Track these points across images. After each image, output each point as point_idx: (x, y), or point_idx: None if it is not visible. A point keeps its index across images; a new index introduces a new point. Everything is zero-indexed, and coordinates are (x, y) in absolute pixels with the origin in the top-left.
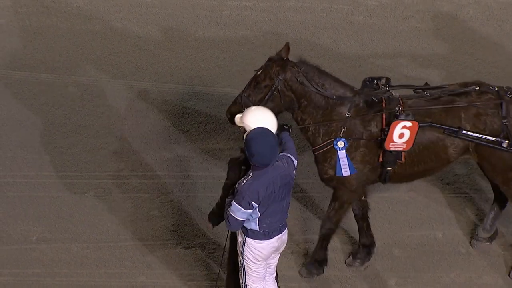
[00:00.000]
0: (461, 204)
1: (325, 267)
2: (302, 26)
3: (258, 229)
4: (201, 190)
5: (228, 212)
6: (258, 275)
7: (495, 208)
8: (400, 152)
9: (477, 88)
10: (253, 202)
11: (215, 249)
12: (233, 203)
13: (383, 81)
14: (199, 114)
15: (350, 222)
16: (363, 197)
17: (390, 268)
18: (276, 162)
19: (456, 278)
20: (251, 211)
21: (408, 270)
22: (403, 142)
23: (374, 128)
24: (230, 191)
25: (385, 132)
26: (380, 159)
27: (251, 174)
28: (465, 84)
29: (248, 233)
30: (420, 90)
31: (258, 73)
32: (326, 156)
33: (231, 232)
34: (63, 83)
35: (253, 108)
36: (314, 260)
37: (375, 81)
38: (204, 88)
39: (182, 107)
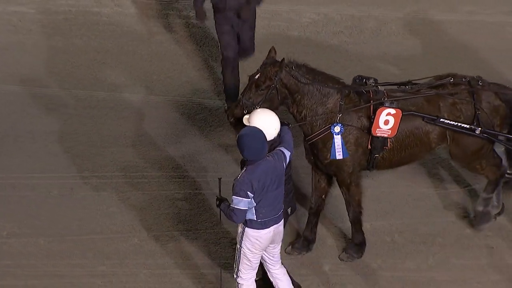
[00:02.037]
0: (386, 198)
1: (364, 249)
2: None
3: (255, 219)
4: (155, 188)
5: (231, 208)
6: (251, 264)
7: None
8: (386, 138)
9: (452, 80)
10: (248, 192)
11: (168, 240)
12: (233, 197)
13: (371, 80)
14: (153, 120)
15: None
16: (323, 196)
17: (325, 255)
18: (267, 157)
19: (383, 264)
20: (249, 199)
21: None
22: (388, 129)
23: (363, 115)
24: None
25: (371, 119)
26: (369, 146)
27: (245, 169)
28: (440, 77)
29: (247, 223)
30: (404, 86)
31: (257, 77)
32: (325, 141)
33: None
34: (29, 94)
35: (259, 110)
36: (354, 244)
37: (364, 79)
38: (157, 97)
39: (138, 114)
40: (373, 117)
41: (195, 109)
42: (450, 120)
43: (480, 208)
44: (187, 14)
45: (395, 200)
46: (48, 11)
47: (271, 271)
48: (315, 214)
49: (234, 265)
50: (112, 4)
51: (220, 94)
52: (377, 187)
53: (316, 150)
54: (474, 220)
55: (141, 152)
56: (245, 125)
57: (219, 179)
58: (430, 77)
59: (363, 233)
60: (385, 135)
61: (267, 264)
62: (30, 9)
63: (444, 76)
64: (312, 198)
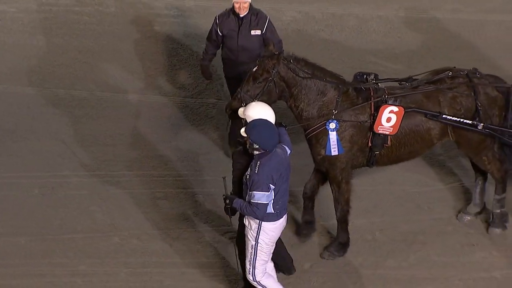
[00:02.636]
0: (367, 196)
1: (347, 249)
2: None
3: (273, 211)
4: (136, 187)
5: (253, 203)
6: (267, 257)
7: (479, 183)
8: (386, 136)
9: (450, 74)
10: (270, 185)
11: (148, 239)
12: (255, 192)
13: (372, 76)
14: (133, 119)
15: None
16: (319, 184)
17: (306, 253)
18: (276, 149)
19: (364, 262)
20: (269, 192)
21: None
22: (390, 126)
23: (363, 113)
24: (240, 183)
25: (373, 116)
26: (369, 143)
27: (259, 162)
28: (436, 72)
29: (264, 217)
30: (403, 82)
31: (254, 69)
32: (319, 137)
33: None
34: (10, 93)
35: (254, 103)
36: (338, 242)
37: (364, 76)
38: (137, 95)
39: (117, 113)
40: (375, 114)
41: (176, 108)
42: (452, 116)
43: (497, 211)
44: (168, 13)
45: (376, 198)
46: (28, 10)
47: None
48: (310, 199)
49: (249, 265)
50: (93, 3)
51: (201, 93)
52: (359, 185)
53: (310, 145)
54: (492, 222)
55: (122, 151)
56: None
57: (224, 178)
58: (428, 72)
59: (348, 233)
60: (387, 133)
61: None
62: (10, 8)
63: (441, 71)
64: (308, 184)
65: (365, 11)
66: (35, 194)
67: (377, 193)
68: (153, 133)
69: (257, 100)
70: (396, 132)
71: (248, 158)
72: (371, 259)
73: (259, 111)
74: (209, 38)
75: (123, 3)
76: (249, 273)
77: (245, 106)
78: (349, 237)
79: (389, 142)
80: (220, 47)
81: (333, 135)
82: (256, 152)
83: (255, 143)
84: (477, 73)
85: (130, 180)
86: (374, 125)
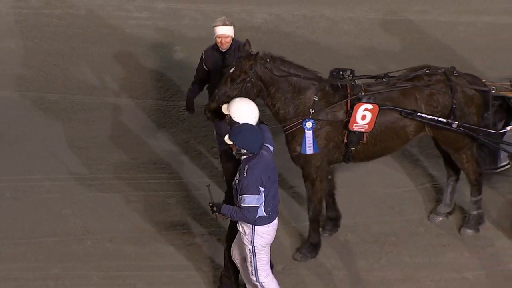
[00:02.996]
0: (338, 198)
1: (319, 250)
2: (196, 42)
3: (264, 214)
4: (108, 190)
5: (243, 207)
6: (267, 258)
7: (451, 183)
8: (362, 133)
9: (427, 71)
10: (260, 187)
11: (121, 242)
12: (245, 196)
13: (348, 72)
14: (105, 122)
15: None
16: (329, 177)
17: (278, 255)
18: (262, 151)
19: (336, 263)
20: (259, 195)
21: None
22: (365, 124)
23: (339, 110)
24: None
25: (349, 114)
26: (345, 140)
27: (247, 166)
28: (414, 69)
29: (256, 221)
30: (380, 79)
31: (231, 71)
32: (295, 134)
33: (231, 223)
34: None
35: (237, 99)
36: (310, 243)
37: (341, 72)
38: (109, 98)
39: (90, 115)
40: (350, 112)
41: (147, 110)
42: (428, 114)
43: (474, 212)
44: (138, 16)
45: (348, 199)
46: None
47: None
48: (329, 195)
49: (251, 269)
50: (63, 6)
51: (172, 96)
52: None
53: (286, 141)
54: (467, 224)
55: (94, 154)
56: (223, 118)
57: (208, 186)
58: (405, 69)
59: (319, 234)
60: (362, 130)
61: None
62: None
63: (418, 68)
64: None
65: (335, 13)
66: (7, 198)
67: (348, 195)
68: (125, 136)
69: None
70: (371, 129)
71: (235, 162)
72: (343, 260)
73: (243, 107)
74: (197, 72)
75: (93, 5)
76: (253, 275)
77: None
78: (320, 238)
79: (365, 139)
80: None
81: (309, 134)
82: (243, 157)
83: (243, 148)
84: (455, 71)
85: (103, 183)
86: (349, 123)
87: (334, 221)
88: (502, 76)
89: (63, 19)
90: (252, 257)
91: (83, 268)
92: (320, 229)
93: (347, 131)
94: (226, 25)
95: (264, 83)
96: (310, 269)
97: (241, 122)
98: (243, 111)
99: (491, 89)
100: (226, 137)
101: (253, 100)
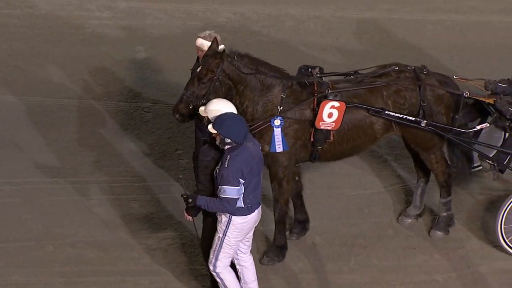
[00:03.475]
0: (306, 200)
1: (286, 253)
2: (159, 42)
3: (243, 205)
4: (70, 194)
5: (223, 198)
6: (232, 251)
7: (421, 184)
8: (329, 131)
9: (396, 68)
10: (239, 179)
11: (84, 247)
12: (225, 187)
13: (317, 70)
14: (67, 124)
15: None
16: (297, 178)
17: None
18: (246, 143)
19: (304, 267)
20: (239, 187)
21: None
22: (332, 122)
23: (306, 108)
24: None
25: (315, 112)
26: (312, 138)
27: (228, 156)
28: (384, 67)
29: (234, 211)
30: (349, 76)
31: (198, 70)
32: (263, 133)
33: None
34: None
35: (214, 100)
36: (276, 246)
37: (309, 69)
38: (70, 100)
39: (51, 117)
40: (317, 109)
41: (110, 112)
42: (396, 110)
43: (443, 214)
44: (100, 15)
45: (316, 201)
46: None
47: (240, 258)
48: (297, 196)
49: (212, 255)
50: (23, 6)
51: (135, 97)
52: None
53: None
54: (436, 225)
55: (55, 157)
56: (191, 119)
57: (181, 177)
58: (375, 66)
59: (285, 236)
60: (329, 128)
61: (238, 249)
62: None
63: (388, 66)
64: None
65: (301, 12)
66: None
67: (316, 197)
68: (87, 139)
69: (204, 101)
70: (338, 127)
71: (215, 153)
72: (311, 263)
73: (221, 107)
74: None
75: (54, 5)
76: (211, 263)
77: (192, 108)
78: (286, 241)
79: (332, 138)
80: None
81: (278, 132)
82: (227, 147)
83: (227, 137)
84: (425, 69)
85: (64, 187)
86: (316, 121)
87: (303, 224)
88: (470, 75)
89: (23, 19)
90: (219, 245)
91: (45, 274)
92: (288, 232)
93: (313, 129)
94: (205, 39)
95: (233, 81)
96: (277, 273)
97: None
98: (222, 111)
99: (464, 93)
100: (210, 126)
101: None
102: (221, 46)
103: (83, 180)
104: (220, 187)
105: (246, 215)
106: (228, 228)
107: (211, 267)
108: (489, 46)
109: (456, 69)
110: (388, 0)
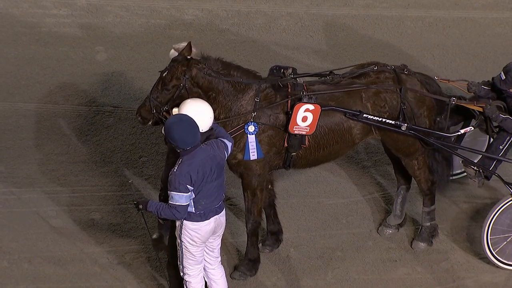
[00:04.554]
0: (280, 210)
1: (258, 267)
2: (121, 41)
3: (194, 211)
4: (25, 205)
5: (172, 205)
6: (195, 258)
7: (402, 192)
8: (304, 136)
9: (376, 68)
10: (187, 186)
11: (39, 263)
12: (173, 193)
13: (290, 70)
14: (21, 130)
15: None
16: (270, 186)
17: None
18: (204, 145)
19: (278, 282)
20: (189, 193)
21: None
22: (307, 126)
23: (280, 112)
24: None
25: (289, 115)
26: (285, 144)
27: (180, 160)
28: (362, 66)
29: (185, 218)
30: (324, 77)
31: (164, 75)
32: (236, 140)
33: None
34: None
35: (188, 100)
36: (248, 260)
37: (281, 70)
38: (25, 104)
39: (4, 123)
40: (290, 113)
41: (68, 117)
42: (375, 113)
43: (427, 224)
44: (57, 13)
45: (290, 211)
46: None
47: (208, 269)
48: (270, 206)
49: (179, 262)
50: None
51: (95, 101)
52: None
53: None
54: (419, 236)
55: (10, 166)
56: (156, 124)
57: (130, 182)
58: (353, 66)
59: (258, 248)
60: (303, 133)
61: (204, 259)
62: None
63: (366, 65)
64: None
65: (273, 8)
66: None
67: (290, 206)
68: (43, 146)
69: (167, 107)
70: (313, 132)
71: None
72: (286, 278)
73: (196, 108)
74: None
75: (7, 2)
76: (181, 270)
77: (156, 112)
78: (259, 253)
79: (307, 143)
80: None
81: (252, 139)
82: (179, 150)
83: (171, 142)
84: (406, 69)
85: (19, 198)
86: (289, 125)
87: (276, 235)
88: (453, 75)
89: None
90: (180, 252)
91: None
92: (260, 245)
93: (287, 134)
94: (177, 50)
95: (202, 88)
96: None
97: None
98: (196, 113)
99: (452, 100)
100: (163, 128)
101: None
102: (194, 51)
103: (39, 190)
104: (169, 192)
105: (198, 221)
106: (181, 233)
107: (181, 273)
108: (472, 44)
109: (439, 69)
110: None
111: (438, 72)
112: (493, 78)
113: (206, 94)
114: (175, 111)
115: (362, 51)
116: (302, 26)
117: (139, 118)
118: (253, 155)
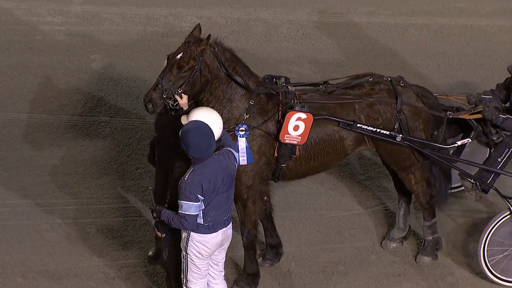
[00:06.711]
0: (280, 223)
1: (259, 281)
2: (117, 49)
3: (202, 223)
4: (19, 218)
5: (181, 214)
6: (200, 271)
7: (403, 205)
8: (294, 146)
9: (371, 79)
10: (198, 195)
11: (33, 278)
12: (182, 202)
13: (282, 79)
14: (15, 141)
15: None
16: (265, 198)
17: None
18: (216, 155)
19: None
20: (199, 203)
21: None
22: (298, 135)
23: (271, 120)
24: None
25: (280, 123)
26: (275, 153)
27: (192, 168)
28: (357, 77)
29: (193, 229)
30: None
31: (179, 56)
32: None
33: (173, 228)
34: None
35: (197, 109)
36: (247, 274)
37: (274, 79)
38: (19, 114)
39: None
40: (281, 121)
41: (63, 127)
42: (368, 125)
43: (429, 237)
44: (51, 21)
45: (291, 224)
46: None
47: (211, 284)
48: (267, 219)
49: (182, 275)
50: None
51: (91, 110)
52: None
53: None
54: (423, 250)
55: (2, 178)
56: (170, 114)
57: (149, 188)
58: (347, 76)
59: (257, 262)
60: (294, 142)
61: (209, 273)
62: None
63: (362, 76)
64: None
65: (274, 16)
66: None
67: (291, 219)
68: (37, 157)
69: (180, 91)
70: (305, 142)
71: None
72: None
73: (206, 117)
74: None
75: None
76: (183, 284)
77: (166, 97)
78: (258, 267)
79: (297, 153)
80: None
81: (242, 142)
82: (192, 158)
83: (185, 150)
84: (402, 81)
85: (12, 211)
86: (280, 134)
87: (275, 248)
88: (459, 85)
89: None
90: (185, 264)
91: None
92: (260, 259)
93: (278, 143)
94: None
95: (211, 74)
96: None
97: None
98: (207, 121)
99: (448, 114)
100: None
101: (198, 93)
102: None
103: (33, 203)
104: (179, 201)
105: (205, 233)
106: (187, 245)
107: (183, 286)
108: (478, 52)
109: (444, 78)
110: (368, 3)
111: (443, 81)
112: (497, 85)
113: (211, 82)
114: (183, 118)
115: (365, 59)
116: (303, 34)
117: (150, 105)
118: (243, 160)
